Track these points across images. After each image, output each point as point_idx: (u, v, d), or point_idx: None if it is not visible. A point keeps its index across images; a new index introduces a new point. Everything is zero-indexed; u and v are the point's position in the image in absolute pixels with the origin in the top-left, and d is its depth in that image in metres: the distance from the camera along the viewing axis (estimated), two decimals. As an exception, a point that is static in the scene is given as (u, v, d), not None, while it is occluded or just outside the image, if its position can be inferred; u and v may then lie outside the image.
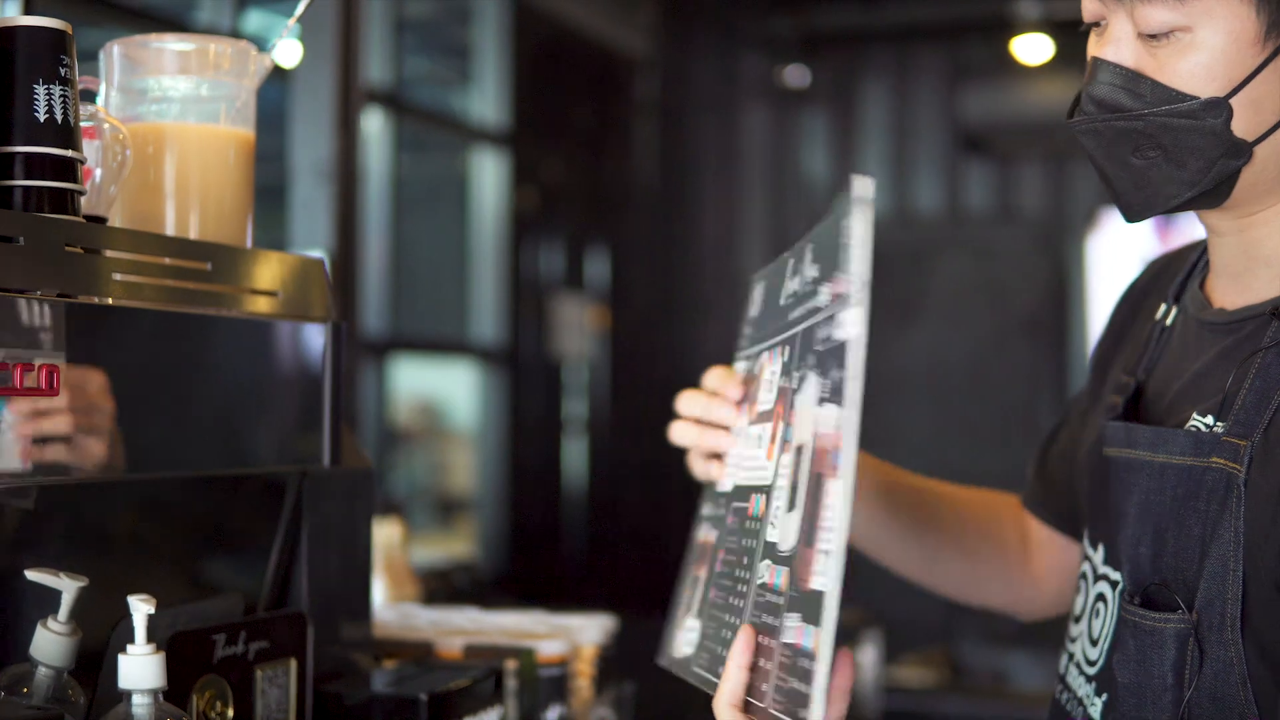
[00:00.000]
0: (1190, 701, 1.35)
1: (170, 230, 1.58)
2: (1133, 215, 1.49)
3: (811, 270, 1.31)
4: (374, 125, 5.16)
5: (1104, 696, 1.49)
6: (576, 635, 2.06)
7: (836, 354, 1.18)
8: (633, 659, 2.25)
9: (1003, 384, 6.98)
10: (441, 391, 7.04)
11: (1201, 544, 1.35)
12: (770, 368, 1.41)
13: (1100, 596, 1.55)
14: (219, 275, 1.53)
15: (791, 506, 1.24)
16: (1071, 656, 1.61)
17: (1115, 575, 1.51)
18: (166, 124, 1.57)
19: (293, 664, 1.59)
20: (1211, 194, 1.42)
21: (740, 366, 1.57)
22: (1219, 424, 1.39)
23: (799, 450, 1.25)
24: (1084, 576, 1.62)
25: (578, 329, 6.87)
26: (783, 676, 1.17)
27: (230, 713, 1.50)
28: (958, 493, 1.86)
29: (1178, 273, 1.62)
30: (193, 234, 1.58)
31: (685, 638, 1.49)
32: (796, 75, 7.56)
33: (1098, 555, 1.58)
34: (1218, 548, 1.33)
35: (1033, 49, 6.62)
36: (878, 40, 7.61)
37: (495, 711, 1.78)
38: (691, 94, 7.85)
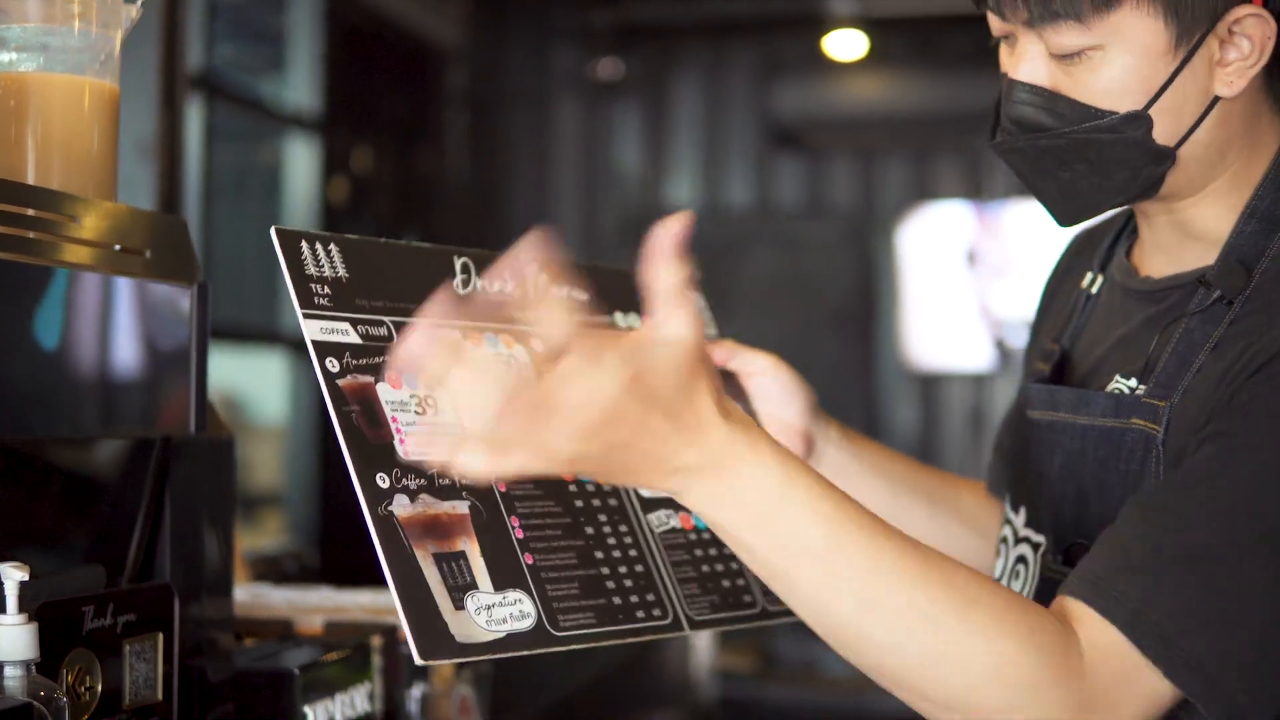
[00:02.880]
0: None
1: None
2: (1065, 221, 1.51)
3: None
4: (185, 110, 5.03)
5: None
6: (438, 612, 2.01)
7: None
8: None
9: (812, 375, 6.96)
10: (245, 384, 6.90)
11: (1123, 504, 1.34)
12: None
13: (1020, 559, 1.56)
14: (85, 231, 1.46)
15: None
16: None
17: (1037, 537, 1.53)
18: (30, 74, 1.49)
19: (160, 638, 1.52)
20: (1139, 196, 1.46)
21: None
22: (1140, 386, 1.41)
23: None
24: (1004, 540, 1.63)
25: (390, 320, 6.78)
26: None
27: (99, 687, 1.43)
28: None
29: (1102, 241, 1.65)
30: (56, 188, 1.51)
31: (499, 614, 1.36)
32: (609, 68, 7.57)
33: (1019, 518, 1.59)
34: None
35: (845, 45, 6.71)
36: (691, 34, 7.65)
37: (365, 687, 1.74)
38: (504, 85, 7.81)
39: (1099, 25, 1.35)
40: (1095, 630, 1.22)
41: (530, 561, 1.42)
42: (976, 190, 7.25)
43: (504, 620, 1.36)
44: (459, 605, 1.34)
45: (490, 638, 1.34)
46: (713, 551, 1.55)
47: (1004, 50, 1.47)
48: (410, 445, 1.40)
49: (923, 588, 1.18)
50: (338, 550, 6.01)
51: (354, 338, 1.42)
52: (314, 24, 6.17)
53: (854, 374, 7.09)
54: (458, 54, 7.38)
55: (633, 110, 7.74)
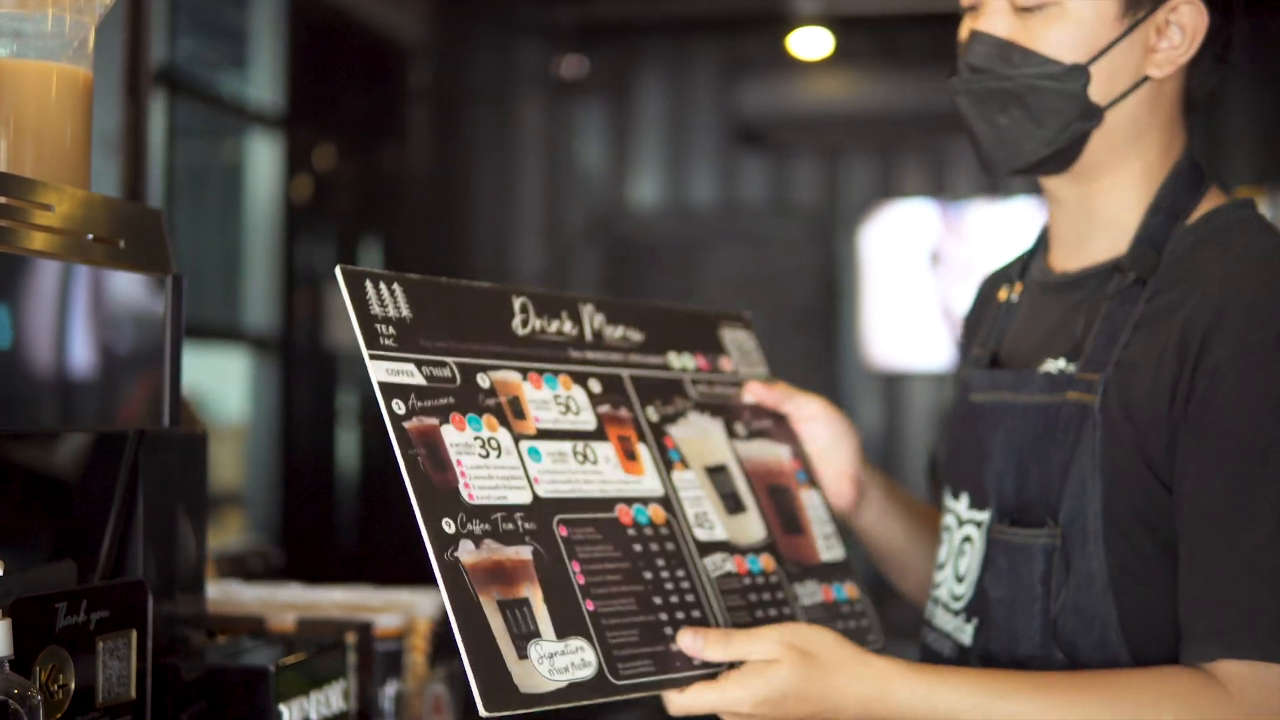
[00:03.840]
0: (1056, 613, 1.52)
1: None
2: (996, 170, 1.69)
3: (613, 330, 1.60)
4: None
5: (974, 622, 1.64)
6: (411, 609, 1.99)
7: (759, 411, 1.70)
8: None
9: (775, 373, 7.05)
10: (206, 383, 6.85)
11: (1062, 469, 1.54)
12: (565, 393, 1.54)
13: (967, 538, 1.69)
14: (58, 219, 1.43)
15: (735, 510, 1.60)
16: (937, 600, 1.75)
17: (980, 516, 1.66)
18: (3, 60, 1.47)
19: (133, 635, 1.50)
20: (1064, 154, 1.61)
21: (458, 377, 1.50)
22: (1071, 365, 1.58)
23: (720, 468, 1.62)
24: (947, 529, 1.76)
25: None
26: (851, 625, 1.62)
27: (72, 685, 1.40)
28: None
29: (1015, 265, 1.84)
30: (30, 176, 1.48)
31: (561, 662, 1.38)
32: (574, 66, 7.54)
33: (960, 504, 1.73)
34: (1077, 470, 1.53)
35: (810, 43, 6.70)
36: (655, 32, 7.63)
37: (340, 685, 1.71)
38: (467, 83, 7.78)
39: None
40: (1233, 670, 1.42)
41: (591, 608, 1.43)
42: (940, 190, 7.26)
43: (566, 669, 1.37)
44: (522, 654, 1.35)
45: (553, 687, 1.35)
46: (765, 596, 1.57)
47: (966, 19, 1.66)
48: (475, 488, 1.41)
49: (1085, 711, 1.43)
50: (301, 549, 5.98)
51: (419, 379, 1.43)
52: (277, 20, 6.12)
53: (817, 372, 7.09)
54: (421, 51, 7.35)
55: (597, 108, 7.72)
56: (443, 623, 2.08)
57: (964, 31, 1.66)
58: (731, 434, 1.66)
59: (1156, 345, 1.51)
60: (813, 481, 1.71)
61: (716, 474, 1.61)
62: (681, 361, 1.66)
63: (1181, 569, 1.48)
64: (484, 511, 1.41)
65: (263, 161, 6.12)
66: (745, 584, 1.56)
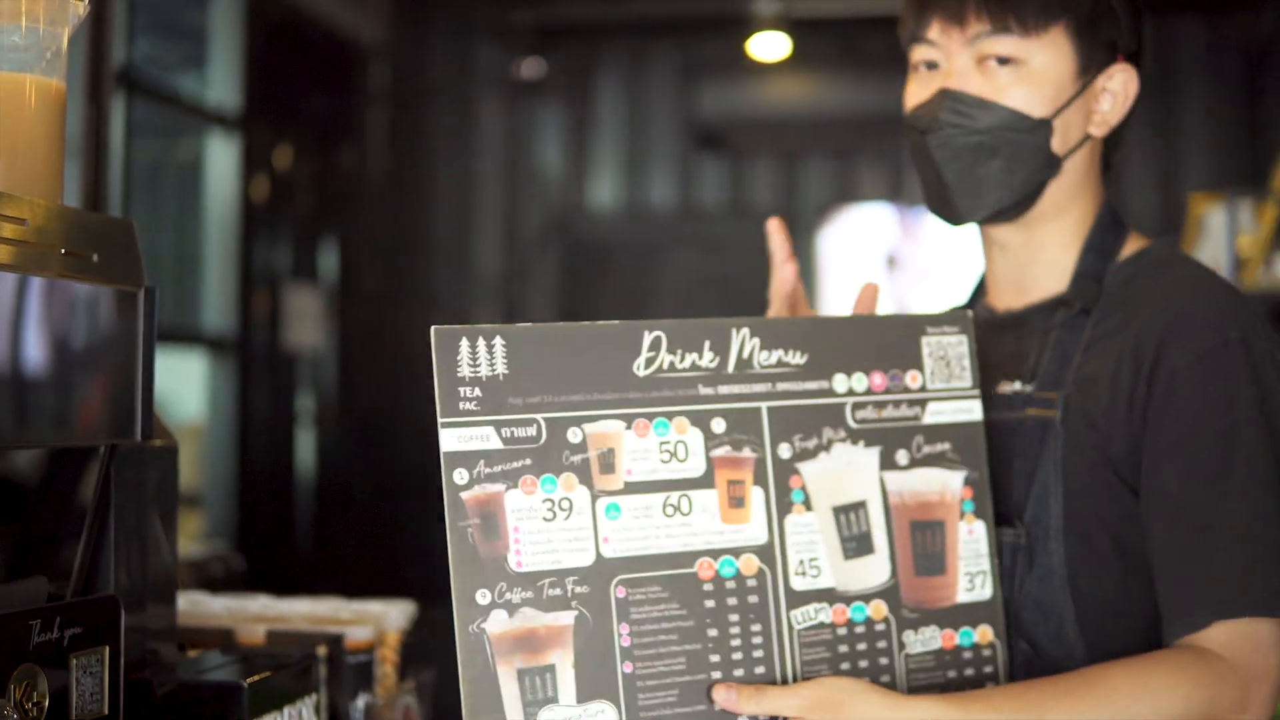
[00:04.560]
0: (1017, 604, 1.64)
1: (-24, 185, 1.46)
2: (962, 218, 1.78)
3: (767, 355, 1.54)
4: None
5: None
6: (381, 621, 1.99)
7: (936, 433, 1.61)
8: (427, 644, 2.19)
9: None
10: (162, 384, 6.80)
11: (1027, 476, 1.68)
12: (676, 438, 1.50)
13: None
14: (32, 233, 1.42)
15: (859, 553, 1.55)
16: None
17: None
18: (-25, 71, 1.45)
19: (106, 651, 1.49)
20: (1024, 201, 1.76)
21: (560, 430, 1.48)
22: (1026, 386, 1.73)
23: (853, 506, 1.56)
24: None
25: (310, 320, 6.72)
26: (966, 674, 1.58)
27: (46, 703, 1.39)
28: None
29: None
30: (2, 189, 1.47)
31: None
32: (532, 67, 7.53)
33: None
34: (1040, 475, 1.66)
35: (768, 47, 6.72)
36: (613, 34, 7.63)
37: (310, 699, 1.71)
38: (426, 84, 7.76)
39: (1034, 39, 1.70)
40: (1223, 636, 1.54)
41: (629, 670, 1.44)
42: (898, 194, 7.29)
43: None
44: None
45: None
46: (861, 646, 1.55)
47: (918, 78, 1.79)
48: (526, 555, 1.42)
49: (1115, 707, 1.50)
50: (259, 552, 5.96)
51: (494, 443, 1.43)
52: (235, 21, 6.09)
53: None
54: (380, 52, 7.33)
55: (555, 110, 7.71)
56: (412, 633, 2.08)
57: (920, 91, 1.77)
58: (889, 464, 1.59)
59: (1109, 362, 1.67)
60: (981, 512, 1.63)
61: (847, 513, 1.56)
62: (848, 384, 1.58)
63: (1157, 558, 1.60)
64: (529, 579, 1.42)
65: (220, 162, 6.09)
66: (839, 634, 1.53)
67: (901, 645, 1.56)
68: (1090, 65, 1.74)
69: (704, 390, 1.51)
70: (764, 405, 1.54)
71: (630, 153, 7.64)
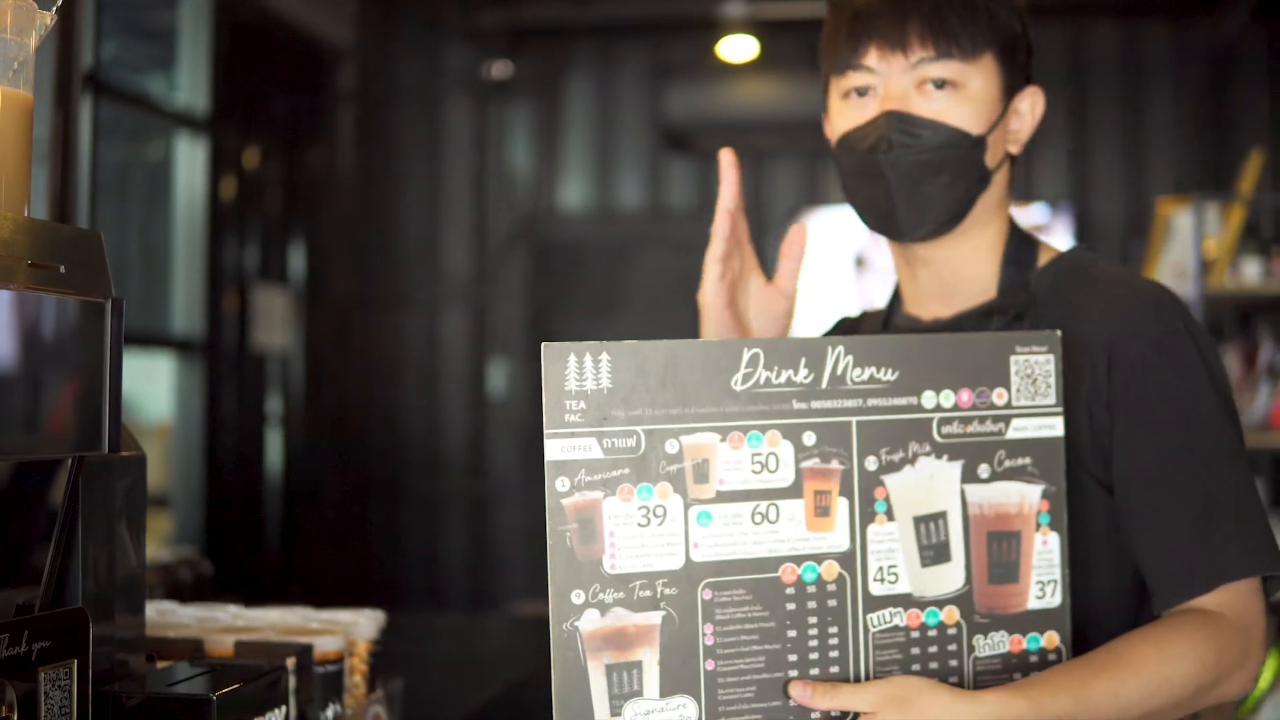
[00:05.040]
0: None
1: (-58, 198, 1.46)
2: (904, 235, 1.86)
3: (859, 371, 1.62)
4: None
5: None
6: (350, 631, 1.98)
7: (1018, 448, 1.68)
8: (395, 653, 2.20)
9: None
10: (130, 386, 6.78)
11: None
12: (768, 450, 1.58)
13: None
14: (2, 245, 1.42)
15: (936, 561, 1.64)
16: None
17: None
18: (-60, 83, 1.45)
19: (75, 665, 1.48)
20: (959, 216, 1.85)
21: (661, 442, 1.56)
22: None
23: (934, 516, 1.64)
24: None
25: (279, 321, 6.70)
26: (1018, 675, 1.66)
27: (15, 716, 1.39)
28: None
29: (874, 320, 2.06)
30: (-31, 202, 1.46)
31: (657, 718, 1.52)
32: (501, 69, 7.53)
33: None
34: None
35: (737, 48, 6.73)
36: (582, 36, 7.63)
37: (279, 712, 1.71)
38: (394, 85, 7.75)
39: (971, 63, 1.81)
40: (1219, 597, 1.67)
41: (711, 667, 1.54)
42: (866, 195, 7.30)
43: None
44: (616, 712, 1.50)
45: None
46: (932, 649, 1.64)
47: (849, 104, 1.86)
48: (620, 558, 1.51)
49: (1148, 673, 1.61)
50: (227, 553, 5.95)
51: (596, 452, 1.51)
52: (203, 21, 6.08)
53: (744, 376, 7.11)
54: (348, 53, 7.31)
55: (524, 111, 7.71)
56: (381, 643, 2.07)
57: (856, 115, 1.85)
58: (971, 477, 1.67)
59: None
60: (1056, 524, 1.70)
61: (927, 523, 1.65)
62: (936, 400, 1.66)
63: (1143, 536, 1.72)
64: (622, 580, 1.51)
65: (188, 163, 6.07)
66: (913, 637, 1.62)
67: (971, 649, 1.65)
68: (1011, 87, 1.87)
69: (797, 405, 1.59)
70: (854, 419, 1.62)
71: (599, 154, 7.64)
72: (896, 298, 2.02)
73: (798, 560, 1.58)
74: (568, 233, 7.60)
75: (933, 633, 1.63)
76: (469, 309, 7.64)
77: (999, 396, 1.68)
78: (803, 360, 1.59)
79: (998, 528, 1.67)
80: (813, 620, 1.58)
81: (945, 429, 1.66)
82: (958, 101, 1.81)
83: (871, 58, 1.82)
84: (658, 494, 1.53)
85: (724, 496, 1.56)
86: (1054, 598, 1.69)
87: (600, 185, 7.62)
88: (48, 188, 3.23)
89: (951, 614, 1.64)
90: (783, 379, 1.59)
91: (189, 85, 6.08)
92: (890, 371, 1.63)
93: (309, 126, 7.08)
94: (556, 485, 1.49)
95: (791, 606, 1.57)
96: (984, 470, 1.67)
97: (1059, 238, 7.07)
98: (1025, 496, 1.69)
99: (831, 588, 1.59)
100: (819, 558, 1.59)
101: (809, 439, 1.59)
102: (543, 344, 1.50)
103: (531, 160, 7.69)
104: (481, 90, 7.63)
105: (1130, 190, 7.18)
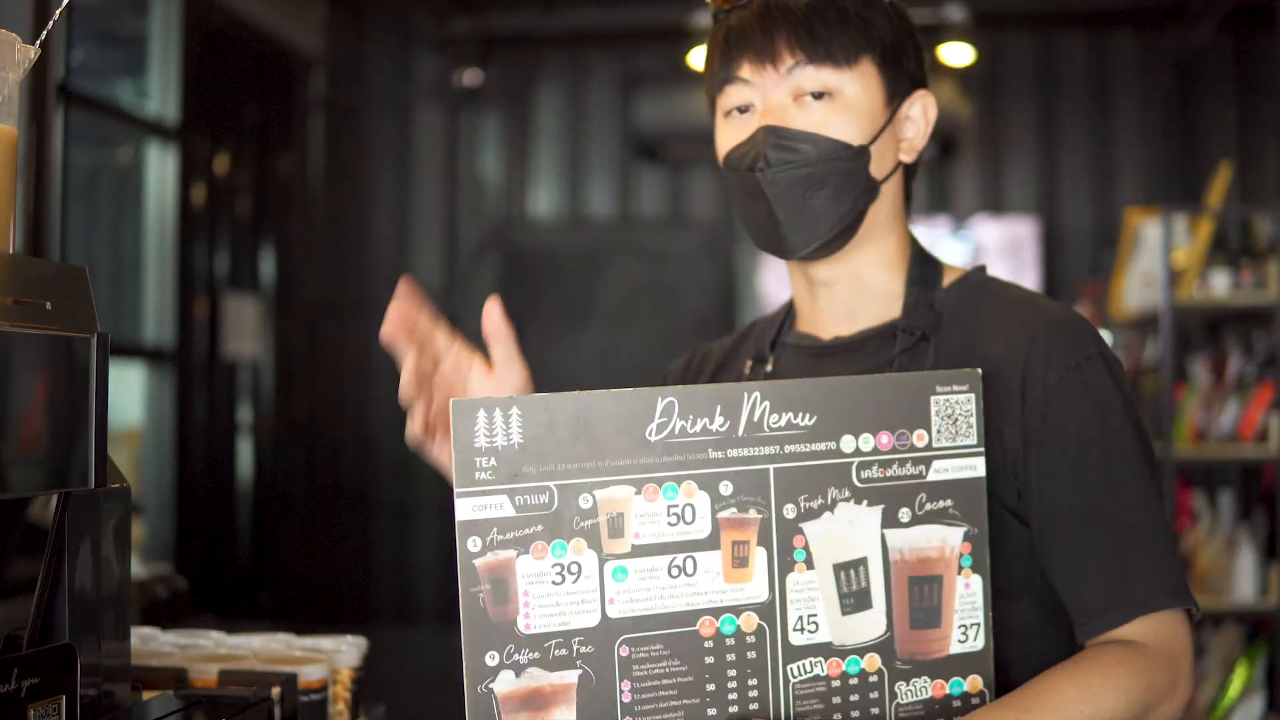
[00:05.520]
0: None
1: (-72, 235, 1.46)
2: (793, 253, 1.81)
3: (776, 418, 1.58)
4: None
5: None
6: (334, 658, 1.99)
7: (939, 490, 1.64)
8: (374, 675, 2.20)
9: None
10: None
11: None
12: (684, 501, 1.55)
13: None
14: (-11, 285, 1.42)
15: (856, 609, 1.61)
16: None
17: None
18: (-73, 120, 1.44)
19: (63, 700, 1.49)
20: (850, 228, 1.80)
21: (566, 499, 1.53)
22: None
23: (854, 564, 1.61)
24: None
25: (249, 329, 6.69)
26: None
27: (3, 756, 1.39)
28: None
29: (762, 338, 1.99)
30: (-44, 240, 1.46)
31: None
32: (471, 77, 7.53)
33: None
34: None
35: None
36: (553, 45, 7.64)
37: (266, 741, 1.71)
38: (365, 93, 7.74)
39: (846, 70, 1.76)
40: (1143, 628, 1.67)
41: None
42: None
43: None
44: None
45: None
46: (854, 697, 1.61)
47: (730, 123, 1.81)
48: (535, 618, 1.48)
49: (1071, 709, 1.60)
50: (198, 561, 5.94)
51: (508, 510, 1.48)
52: (174, 29, 6.06)
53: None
54: (319, 61, 7.30)
55: (494, 120, 7.71)
56: (366, 668, 2.08)
57: (737, 134, 1.80)
58: (891, 521, 1.64)
59: None
60: (978, 566, 1.67)
61: (847, 570, 1.62)
62: (855, 444, 1.62)
63: (1061, 565, 1.71)
64: (537, 640, 1.48)
65: (158, 171, 6.06)
66: (834, 686, 1.60)
67: (893, 695, 1.62)
68: (896, 94, 1.80)
69: (713, 454, 1.56)
70: (771, 467, 1.59)
71: (569, 162, 7.65)
72: (790, 313, 1.97)
73: (716, 613, 1.55)
74: (538, 240, 7.60)
75: (854, 681, 1.61)
76: (439, 316, 7.63)
77: (919, 438, 1.65)
78: (719, 408, 1.56)
79: (919, 572, 1.64)
80: (732, 673, 1.55)
81: (865, 473, 1.62)
82: (836, 111, 1.76)
83: (745, 70, 1.78)
84: (572, 550, 1.49)
85: (639, 550, 1.52)
86: (977, 641, 1.66)
87: (570, 193, 7.63)
88: (23, 201, 3.22)
89: (873, 661, 1.62)
90: (698, 428, 1.55)
91: (159, 92, 6.06)
92: (808, 416, 1.60)
93: (280, 134, 7.07)
94: (468, 545, 1.46)
95: (710, 660, 1.54)
96: (905, 514, 1.64)
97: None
98: (947, 540, 1.65)
99: (751, 639, 1.56)
100: (738, 609, 1.56)
101: (726, 488, 1.56)
102: (451, 400, 1.47)
103: (501, 168, 7.69)
104: (452, 98, 7.63)
105: (1099, 200, 7.23)
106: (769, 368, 1.93)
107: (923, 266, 1.87)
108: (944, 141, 7.16)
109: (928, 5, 6.87)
